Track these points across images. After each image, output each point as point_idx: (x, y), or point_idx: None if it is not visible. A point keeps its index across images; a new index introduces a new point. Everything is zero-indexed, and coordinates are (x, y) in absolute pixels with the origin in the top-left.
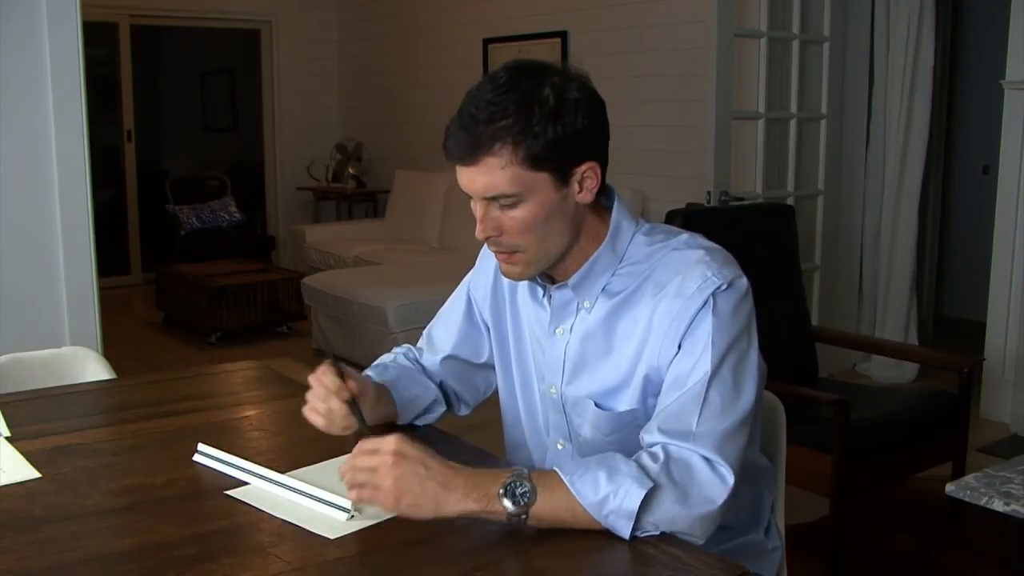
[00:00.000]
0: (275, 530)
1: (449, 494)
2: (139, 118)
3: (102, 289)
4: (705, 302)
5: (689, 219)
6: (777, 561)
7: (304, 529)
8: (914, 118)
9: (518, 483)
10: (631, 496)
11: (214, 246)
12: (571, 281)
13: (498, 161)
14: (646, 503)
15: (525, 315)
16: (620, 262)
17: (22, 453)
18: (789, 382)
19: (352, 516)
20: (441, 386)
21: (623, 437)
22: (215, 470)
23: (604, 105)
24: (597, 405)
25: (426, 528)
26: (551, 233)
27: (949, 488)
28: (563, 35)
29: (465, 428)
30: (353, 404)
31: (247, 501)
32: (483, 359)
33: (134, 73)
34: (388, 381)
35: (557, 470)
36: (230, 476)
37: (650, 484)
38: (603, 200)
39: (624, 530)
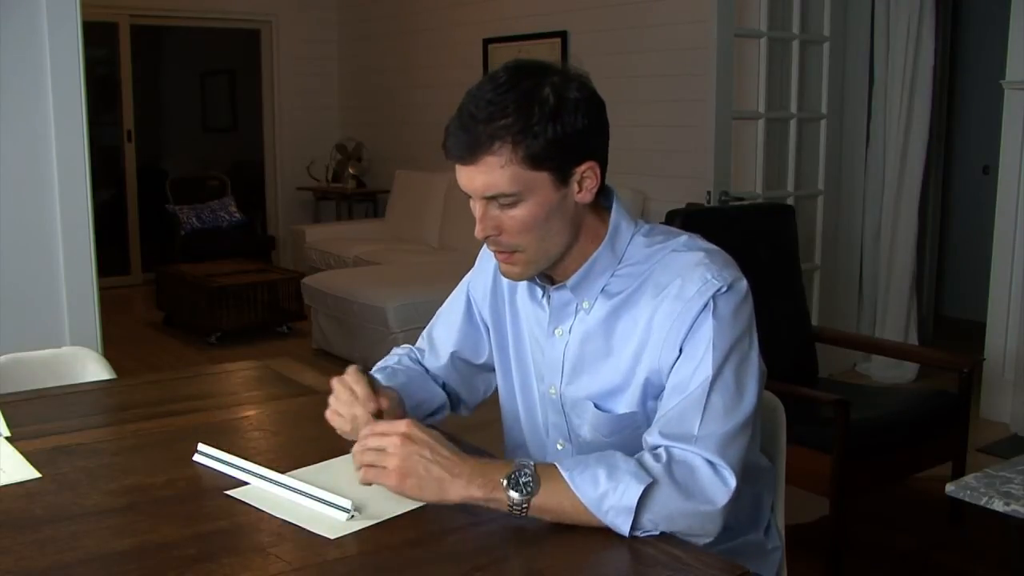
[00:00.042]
0: (275, 530)
1: (454, 479)
2: (139, 118)
3: (102, 289)
4: (705, 305)
5: (689, 219)
6: (777, 561)
7: (304, 529)
8: (914, 118)
9: (522, 473)
10: (630, 492)
11: (214, 246)
12: (570, 282)
13: (497, 160)
14: (646, 500)
15: (524, 316)
16: (619, 263)
17: (22, 453)
18: (789, 382)
19: (352, 516)
20: (444, 387)
21: (623, 439)
22: (215, 470)
23: (604, 105)
24: (596, 407)
25: (426, 528)
26: (550, 233)
27: (949, 488)
28: (563, 35)
29: (465, 428)
30: (378, 415)
31: (247, 501)
32: (483, 359)
33: (134, 73)
34: (398, 386)
35: (557, 465)
36: (230, 476)
37: (649, 479)
38: (602, 200)
39: (624, 526)
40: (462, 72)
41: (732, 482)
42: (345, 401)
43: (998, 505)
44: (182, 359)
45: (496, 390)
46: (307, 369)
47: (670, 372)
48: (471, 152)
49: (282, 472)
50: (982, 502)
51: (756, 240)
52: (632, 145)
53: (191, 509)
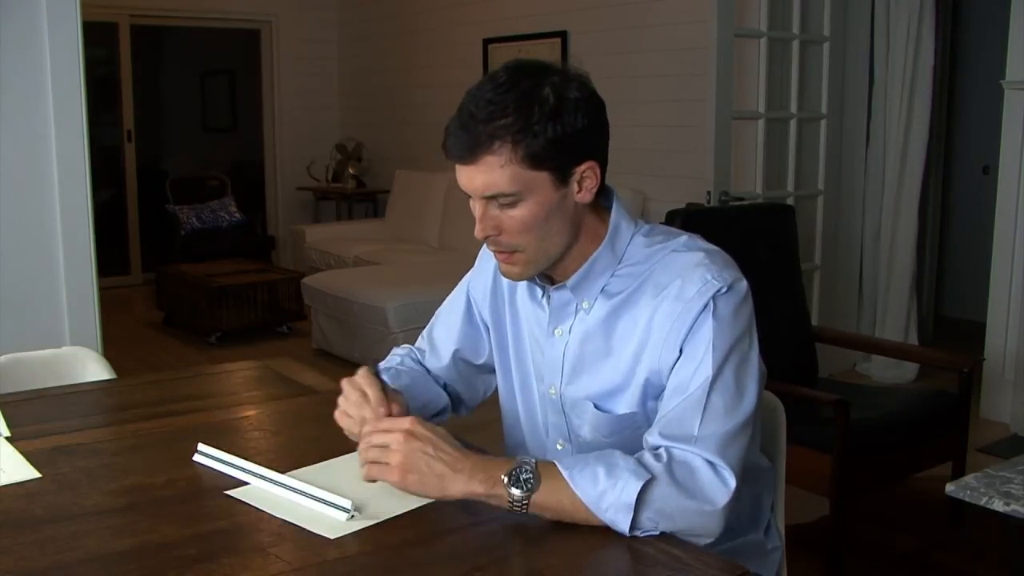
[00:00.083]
0: (275, 530)
1: (455, 475)
2: (139, 118)
3: (102, 289)
4: (705, 305)
5: (689, 219)
6: (777, 561)
7: (304, 529)
8: (914, 118)
9: (523, 469)
10: (629, 488)
11: (214, 246)
12: (570, 282)
13: (497, 160)
14: (645, 497)
15: (524, 316)
16: (619, 263)
17: (22, 453)
18: (789, 382)
19: (352, 516)
20: (445, 388)
21: (622, 439)
22: (215, 470)
23: (604, 105)
24: (596, 407)
25: (426, 528)
26: (550, 233)
27: (949, 488)
28: (563, 35)
29: (465, 428)
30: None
31: (247, 501)
32: (483, 360)
33: (134, 73)
34: (402, 387)
35: (556, 464)
36: (230, 476)
37: (648, 476)
38: (602, 200)
39: (623, 523)
40: (462, 72)
41: (732, 482)
42: (354, 402)
43: (998, 505)
44: (182, 359)
45: (496, 390)
46: (307, 369)
47: (670, 373)
48: (471, 152)
49: (282, 472)
50: (982, 502)
51: (756, 240)
52: (632, 145)
53: (191, 509)
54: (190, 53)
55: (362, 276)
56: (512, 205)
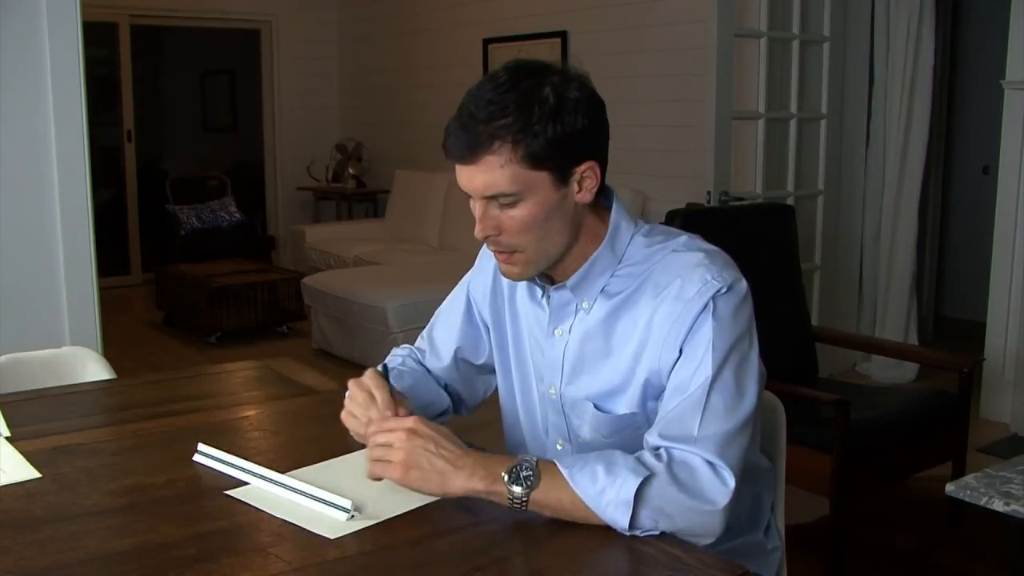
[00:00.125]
0: (275, 530)
1: (456, 472)
2: (139, 118)
3: (102, 289)
4: (705, 306)
5: (689, 219)
6: (777, 561)
7: (304, 529)
8: (914, 118)
9: (523, 467)
10: (627, 485)
11: (214, 246)
12: (570, 282)
13: (497, 160)
14: (644, 494)
15: (524, 316)
16: (619, 263)
17: (22, 453)
18: (789, 382)
19: (352, 516)
20: (445, 388)
21: (622, 439)
22: (215, 470)
23: (604, 105)
24: (596, 407)
25: (426, 528)
26: (550, 233)
27: (949, 488)
28: (563, 35)
29: (465, 428)
30: None
31: (247, 501)
32: (483, 360)
33: (134, 73)
34: (405, 388)
35: (556, 463)
36: (230, 476)
37: (646, 472)
38: (602, 200)
39: (622, 520)
40: (462, 72)
41: (731, 483)
42: (361, 403)
43: (998, 505)
44: (182, 359)
45: (496, 390)
46: (307, 369)
47: (670, 373)
48: (471, 151)
49: (282, 472)
50: (982, 502)
51: (756, 240)
52: (632, 145)
53: (191, 509)
54: (190, 53)
55: (362, 276)
56: (512, 205)
